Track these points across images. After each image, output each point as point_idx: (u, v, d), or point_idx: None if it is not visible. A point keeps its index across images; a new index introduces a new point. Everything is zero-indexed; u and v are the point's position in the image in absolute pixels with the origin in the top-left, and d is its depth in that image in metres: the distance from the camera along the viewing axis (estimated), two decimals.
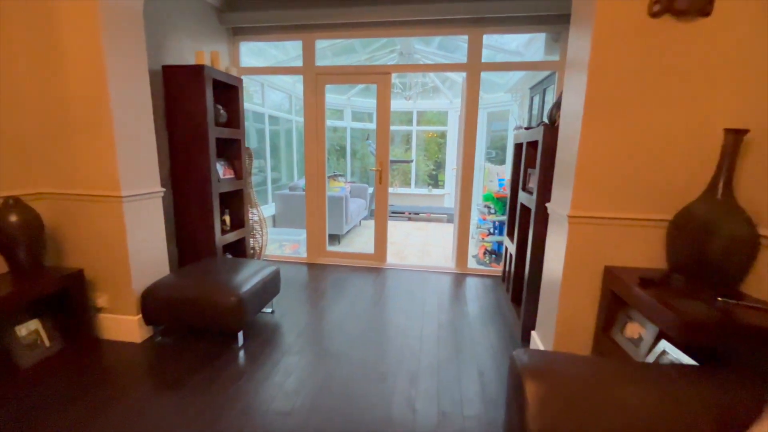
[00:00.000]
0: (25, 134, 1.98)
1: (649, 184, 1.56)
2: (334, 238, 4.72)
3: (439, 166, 8.56)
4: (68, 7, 1.86)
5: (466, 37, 3.21)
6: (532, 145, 2.47)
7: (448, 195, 7.30)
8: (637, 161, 1.56)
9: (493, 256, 4.00)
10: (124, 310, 2.16)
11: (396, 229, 5.76)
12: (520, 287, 2.63)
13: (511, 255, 2.86)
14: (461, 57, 3.27)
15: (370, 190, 6.05)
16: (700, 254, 1.37)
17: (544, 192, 2.09)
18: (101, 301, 2.15)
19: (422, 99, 7.13)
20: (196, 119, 2.58)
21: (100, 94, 1.91)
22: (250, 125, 4.65)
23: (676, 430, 0.92)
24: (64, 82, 1.94)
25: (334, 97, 6.69)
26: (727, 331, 1.15)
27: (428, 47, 5.38)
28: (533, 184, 2.34)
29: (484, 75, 3.27)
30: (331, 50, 4.82)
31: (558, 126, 2.06)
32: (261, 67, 3.58)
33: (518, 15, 3.00)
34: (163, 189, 2.30)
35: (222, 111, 2.84)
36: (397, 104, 7.11)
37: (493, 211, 4.12)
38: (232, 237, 3.03)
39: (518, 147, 2.88)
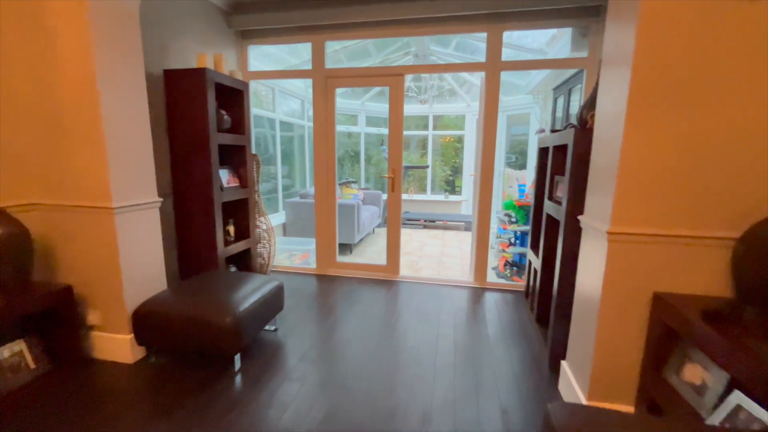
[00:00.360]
0: (15, 141, 1.88)
1: (710, 194, 1.30)
2: (346, 248, 4.54)
3: (456, 171, 8.30)
4: (58, 7, 1.76)
5: (485, 35, 2.99)
6: (560, 149, 2.23)
7: (465, 202, 7.03)
8: (694, 168, 1.30)
9: (515, 268, 3.73)
10: (116, 328, 2.02)
11: (410, 237, 5.54)
12: (547, 307, 2.37)
13: (535, 270, 2.60)
14: (480, 58, 3.05)
15: (384, 196, 5.86)
16: None
17: (575, 202, 1.84)
18: (93, 318, 2.02)
19: (438, 103, 6.92)
20: (197, 125, 2.45)
21: (90, 99, 1.79)
22: (264, 131, 4.55)
23: None
24: (54, 85, 1.83)
25: (348, 101, 6.57)
26: None
27: (445, 48, 5.18)
28: (562, 193, 2.09)
29: (503, 76, 3.04)
30: (344, 54, 4.69)
31: (591, 128, 1.82)
32: (269, 71, 3.47)
33: (542, 9, 2.76)
34: (160, 199, 2.16)
35: (226, 116, 2.71)
36: (412, 108, 6.92)
37: (514, 220, 3.85)
38: (236, 248, 2.89)
39: (543, 152, 2.63)
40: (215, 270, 2.48)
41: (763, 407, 0.97)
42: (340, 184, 5.47)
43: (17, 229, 1.74)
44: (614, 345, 1.45)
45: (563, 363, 1.84)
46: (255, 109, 4.27)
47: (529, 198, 3.73)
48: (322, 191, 3.52)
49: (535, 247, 2.74)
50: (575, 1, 2.66)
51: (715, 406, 1.09)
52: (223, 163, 2.91)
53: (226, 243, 2.81)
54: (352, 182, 5.66)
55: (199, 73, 2.40)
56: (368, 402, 1.75)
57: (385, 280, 3.46)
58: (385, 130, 7.20)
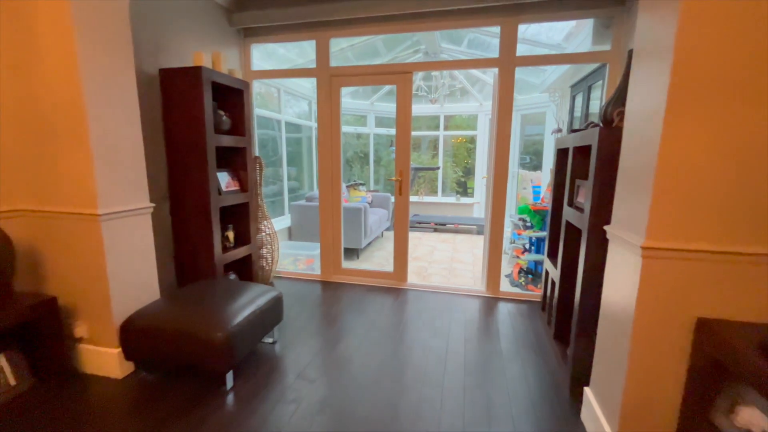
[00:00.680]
0: (0, 144, 1.79)
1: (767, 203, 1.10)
2: (353, 253, 4.40)
3: (468, 172, 8.09)
4: (40, 5, 1.65)
5: (498, 31, 2.80)
6: (582, 151, 2.03)
7: (477, 204, 6.81)
8: (748, 172, 1.10)
9: (530, 276, 3.52)
10: (104, 341, 1.91)
11: (420, 242, 5.36)
12: (566, 322, 2.17)
13: (553, 281, 2.40)
14: (493, 56, 2.86)
15: (394, 198, 5.70)
16: None
17: (600, 210, 1.65)
18: (80, 330, 1.92)
19: (450, 102, 6.73)
20: (193, 126, 2.34)
21: (74, 99, 1.69)
22: (271, 133, 4.44)
23: None
24: (37, 85, 1.73)
25: (356, 102, 6.44)
26: None
27: (457, 46, 5.00)
28: (583, 198, 1.90)
29: (517, 73, 2.84)
30: (352, 52, 4.55)
31: (619, 127, 1.63)
32: (271, 70, 3.35)
33: None
34: (152, 205, 2.05)
35: (225, 117, 2.59)
36: (423, 108, 6.75)
37: (529, 225, 3.64)
38: (236, 254, 2.77)
39: (561, 153, 2.43)
40: (212, 279, 2.37)
41: None
42: (347, 186, 5.34)
43: None
44: (649, 377, 1.26)
45: (587, 391, 1.65)
46: (260, 110, 4.17)
47: (545, 202, 3.52)
48: (327, 194, 3.38)
49: (552, 256, 2.54)
50: None
51: None
52: (222, 165, 2.80)
53: (225, 249, 2.70)
54: (361, 184, 5.52)
55: (194, 72, 2.29)
56: (369, 430, 1.59)
57: (392, 288, 3.30)
58: (394, 131, 7.07)
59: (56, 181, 1.80)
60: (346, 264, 3.96)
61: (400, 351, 2.25)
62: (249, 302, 2.03)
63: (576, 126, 3.95)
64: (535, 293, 3.15)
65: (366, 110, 6.55)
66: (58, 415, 1.65)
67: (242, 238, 2.90)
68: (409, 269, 3.40)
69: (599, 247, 1.67)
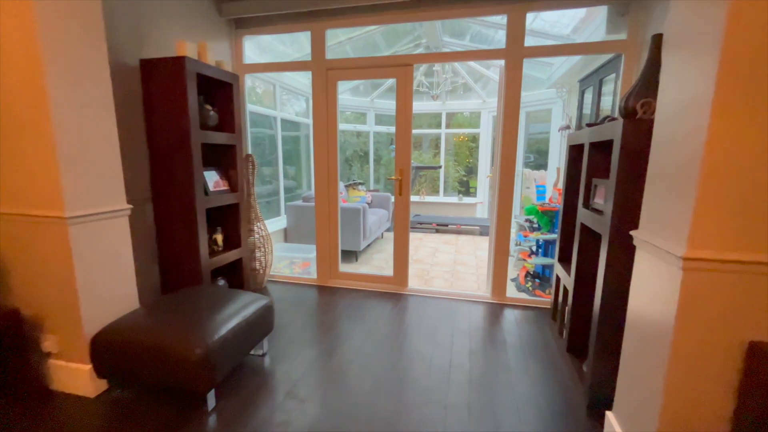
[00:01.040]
0: None
1: None
2: (351, 255, 4.22)
3: (470, 171, 7.91)
4: None
5: (504, 21, 2.62)
6: (599, 147, 1.85)
7: (480, 204, 6.63)
8: None
9: (537, 280, 3.33)
10: (75, 356, 1.74)
11: (421, 243, 5.18)
12: (581, 335, 1.99)
13: (565, 288, 2.23)
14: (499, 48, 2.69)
15: (394, 198, 5.52)
16: None
17: (624, 213, 1.47)
18: (49, 345, 1.75)
19: (452, 99, 6.55)
20: (176, 121, 2.17)
21: (36, 92, 1.52)
22: (267, 130, 4.27)
23: None
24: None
25: (356, 99, 6.26)
26: None
27: (460, 40, 4.81)
28: (602, 199, 1.72)
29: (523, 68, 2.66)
30: (350, 47, 4.38)
31: (645, 119, 1.45)
32: (264, 63, 3.18)
33: None
34: (129, 207, 1.88)
35: (212, 112, 2.42)
36: (424, 105, 6.57)
37: (536, 226, 3.46)
38: (225, 259, 2.59)
39: (575, 150, 2.25)
40: (197, 286, 2.19)
41: None
42: (346, 186, 5.17)
43: None
44: (690, 408, 1.08)
45: (609, 415, 1.47)
46: (253, 106, 4.00)
47: (554, 202, 3.34)
48: (323, 194, 3.21)
49: (564, 261, 2.36)
50: None
51: None
52: (210, 164, 2.63)
53: (213, 253, 2.52)
54: (360, 184, 5.34)
55: (177, 63, 2.12)
56: None
57: (392, 293, 3.12)
58: (395, 129, 6.88)
59: (19, 181, 1.63)
60: (344, 267, 3.79)
61: (399, 364, 2.07)
62: (235, 312, 1.86)
63: (586, 122, 3.77)
64: (544, 299, 2.97)
65: (366, 107, 6.38)
66: None
67: (232, 241, 2.73)
68: (410, 272, 3.23)
69: (623, 253, 1.49)
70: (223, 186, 2.62)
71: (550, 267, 3.26)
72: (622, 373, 1.41)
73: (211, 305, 1.91)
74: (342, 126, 6.37)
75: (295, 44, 4.23)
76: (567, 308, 2.11)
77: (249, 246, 3.14)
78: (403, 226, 3.11)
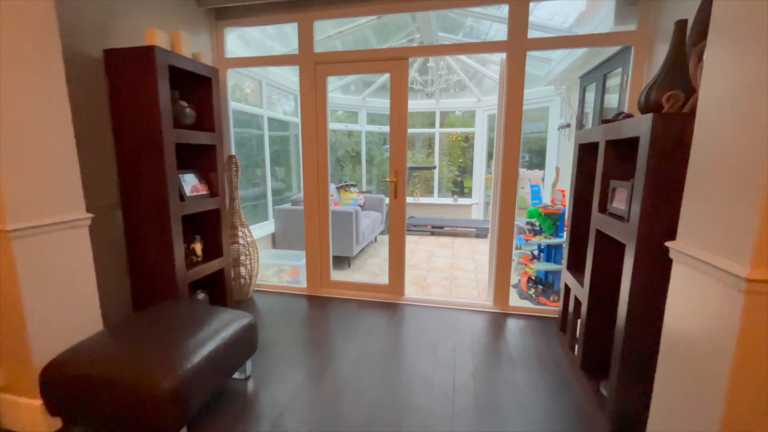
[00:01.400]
0: None
1: None
2: (343, 261, 4.01)
3: (464, 171, 7.76)
4: None
5: (504, 15, 2.44)
6: (618, 145, 1.67)
7: (476, 206, 6.47)
8: None
9: (540, 286, 3.16)
10: (24, 390, 1.51)
11: (416, 246, 4.99)
12: (597, 351, 1.82)
13: (576, 299, 2.05)
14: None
15: (387, 200, 5.33)
16: None
17: (654, 220, 1.29)
18: None
19: (446, 98, 6.38)
20: (146, 118, 1.94)
21: None
22: (255, 131, 4.03)
23: None
24: None
25: (347, 97, 6.05)
26: None
27: (454, 35, 4.64)
28: (623, 204, 1.54)
29: None
30: (340, 42, 4.17)
31: (680, 113, 1.27)
32: (247, 57, 2.95)
33: None
34: (89, 216, 1.65)
35: (188, 109, 2.20)
36: (418, 103, 6.38)
37: (538, 229, 3.29)
38: (205, 270, 2.37)
39: (585, 149, 2.07)
40: (171, 302, 1.96)
41: None
42: (338, 188, 4.95)
43: None
44: None
45: None
46: (238, 104, 3.76)
47: (556, 204, 3.17)
48: (313, 197, 3.00)
49: (574, 268, 2.19)
50: None
51: None
52: (187, 166, 2.40)
53: (191, 264, 2.30)
54: (352, 185, 5.13)
55: (145, 53, 1.89)
56: None
57: (388, 303, 2.92)
58: (387, 128, 6.69)
59: None
60: (336, 275, 3.58)
61: (398, 387, 1.87)
62: (212, 334, 1.64)
63: (589, 121, 3.61)
64: (549, 307, 2.80)
65: (357, 106, 6.17)
66: None
67: (213, 250, 2.50)
68: (406, 279, 3.03)
69: (653, 266, 1.31)
70: (203, 190, 2.39)
71: (554, 273, 3.10)
72: (658, 400, 1.23)
73: (185, 326, 1.69)
74: (333, 125, 6.17)
75: (283, 39, 4.01)
76: (580, 321, 1.94)
77: (233, 254, 2.91)
78: (398, 231, 2.91)
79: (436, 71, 4.86)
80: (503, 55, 2.64)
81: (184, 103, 2.17)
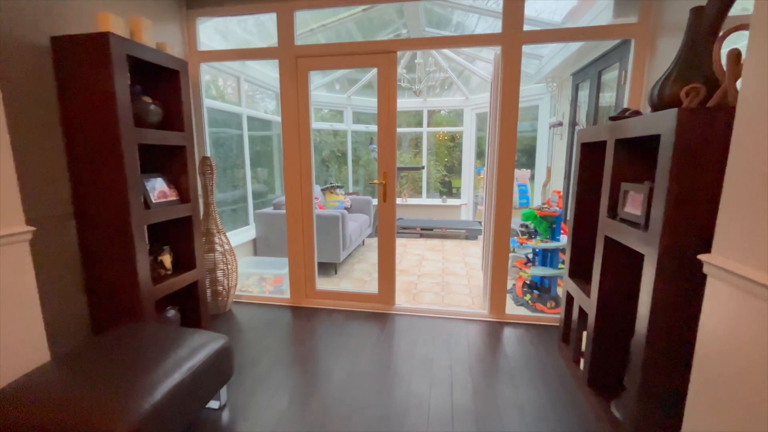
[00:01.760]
0: None
1: None
2: (330, 267, 3.81)
3: (451, 170, 7.66)
4: None
5: (489, 11, 2.29)
6: (629, 144, 1.53)
7: (465, 206, 6.35)
8: None
9: (535, 291, 3.04)
10: None
11: (406, 250, 4.83)
12: (608, 369, 1.67)
13: (581, 310, 1.91)
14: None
15: (375, 201, 5.14)
16: None
17: (679, 229, 1.15)
18: None
19: (433, 97, 6.24)
20: (102, 116, 1.70)
21: None
22: (234, 131, 3.78)
23: None
24: None
25: (332, 95, 5.83)
26: None
27: (442, 31, 4.49)
28: (638, 209, 1.40)
29: None
30: (323, 35, 3.96)
31: (712, 108, 1.13)
32: (222, 50, 2.72)
33: None
34: (29, 229, 1.41)
35: (152, 106, 1.96)
36: (405, 102, 6.22)
37: (533, 232, 3.16)
38: (176, 284, 2.13)
39: (589, 149, 1.94)
40: (131, 325, 1.73)
41: None
42: (323, 190, 4.74)
43: None
44: None
45: None
46: (213, 102, 3.51)
47: (552, 205, 3.05)
48: (295, 200, 2.79)
49: (577, 276, 2.05)
50: None
51: None
52: (154, 169, 2.17)
53: (159, 279, 2.06)
54: (338, 187, 4.93)
55: (98, 41, 1.65)
56: None
57: (378, 314, 2.74)
58: (374, 128, 6.49)
59: None
60: (322, 283, 3.39)
61: (391, 411, 1.69)
62: (178, 363, 1.43)
63: (580, 117, 3.51)
64: (547, 315, 2.67)
65: (342, 104, 5.96)
66: None
67: (185, 262, 2.27)
68: (396, 286, 2.86)
69: (679, 278, 1.17)
70: (172, 196, 2.16)
71: (550, 279, 2.98)
72: (690, 425, 1.08)
73: (146, 354, 1.47)
74: (317, 124, 5.95)
75: (264, 35, 3.78)
76: (586, 334, 1.80)
77: (208, 265, 2.68)
78: (388, 237, 2.73)
79: (423, 68, 4.70)
80: (497, 50, 2.49)
81: (147, 99, 1.94)
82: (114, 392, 1.24)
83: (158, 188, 2.10)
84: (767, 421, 0.81)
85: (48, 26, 1.75)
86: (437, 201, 6.52)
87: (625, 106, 2.34)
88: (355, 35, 4.27)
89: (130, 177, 1.77)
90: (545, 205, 3.06)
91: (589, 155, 1.93)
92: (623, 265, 1.59)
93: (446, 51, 4.78)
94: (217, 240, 2.75)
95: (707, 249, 1.07)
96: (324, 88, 5.71)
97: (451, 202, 6.42)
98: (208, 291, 2.70)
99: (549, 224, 2.99)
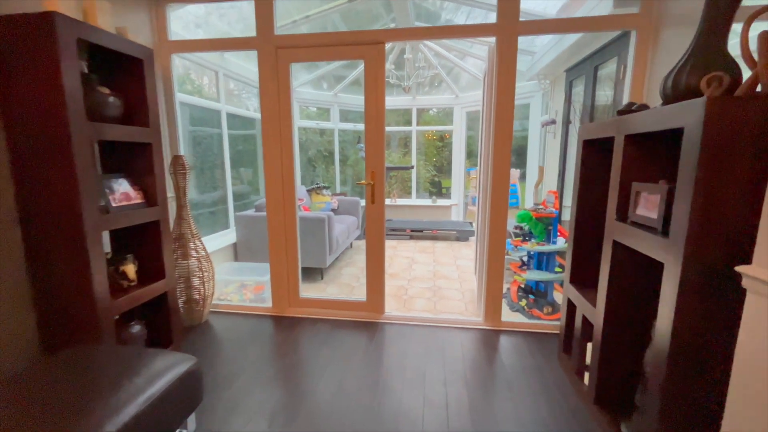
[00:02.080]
0: None
1: None
2: (316, 272, 3.62)
3: (440, 170, 7.55)
4: None
5: (479, 3, 2.15)
6: (637, 140, 1.40)
7: (456, 207, 6.22)
8: None
9: (531, 296, 2.91)
10: None
11: (395, 252, 4.66)
12: (617, 385, 1.54)
13: (585, 319, 1.77)
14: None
15: (363, 202, 4.97)
16: None
17: (708, 236, 1.01)
18: None
19: (422, 95, 6.10)
20: (47, 109, 1.49)
21: None
22: (215, 130, 3.56)
23: None
24: None
25: (318, 92, 5.63)
26: None
27: (432, 24, 4.34)
28: (654, 212, 1.26)
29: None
30: (307, 27, 3.76)
31: (739, 97, 1.00)
32: (195, 40, 2.51)
33: None
34: None
35: (111, 98, 1.75)
36: (393, 100, 6.06)
37: (528, 234, 3.04)
38: (142, 296, 1.92)
39: (592, 146, 1.80)
40: (84, 346, 1.52)
41: None
42: (309, 191, 4.55)
43: None
44: None
45: None
46: (188, 97, 3.29)
47: (548, 206, 2.93)
48: (277, 203, 2.60)
49: (579, 283, 1.92)
50: None
51: None
52: (115, 169, 1.96)
53: (121, 291, 1.85)
54: (324, 188, 4.74)
55: (42, 21, 1.44)
56: None
57: (366, 322, 2.57)
58: (362, 126, 6.31)
59: None
60: (307, 289, 3.21)
61: None
62: (135, 393, 1.23)
63: (574, 115, 3.41)
64: (545, 321, 2.54)
65: (329, 102, 5.77)
66: None
67: (153, 271, 2.06)
68: (386, 291, 2.69)
69: (706, 291, 1.03)
70: (137, 198, 1.94)
71: (546, 283, 2.85)
72: None
73: (99, 382, 1.27)
74: (304, 123, 5.74)
75: (249, 30, 3.56)
76: (592, 347, 1.66)
77: (182, 272, 2.47)
78: (377, 241, 2.56)
79: (413, 64, 4.55)
80: (491, 42, 2.35)
81: (105, 90, 1.73)
82: (56, 430, 1.04)
83: (121, 190, 1.88)
84: None
85: None
86: (427, 201, 6.38)
87: (625, 101, 2.22)
88: (341, 29, 4.09)
89: (82, 177, 1.56)
90: (541, 206, 2.94)
91: (592, 153, 1.80)
92: (634, 272, 1.45)
93: (436, 47, 4.63)
94: (191, 245, 2.54)
95: (740, 258, 0.93)
96: (310, 85, 5.51)
97: (441, 202, 6.29)
98: (182, 301, 2.49)
99: (545, 226, 2.87)
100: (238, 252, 3.63)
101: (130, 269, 1.90)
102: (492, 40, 2.35)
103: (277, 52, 2.39)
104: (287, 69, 2.42)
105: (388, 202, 6.26)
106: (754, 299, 0.86)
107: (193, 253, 2.55)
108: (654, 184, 1.28)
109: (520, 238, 3.11)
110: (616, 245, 1.48)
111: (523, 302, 2.84)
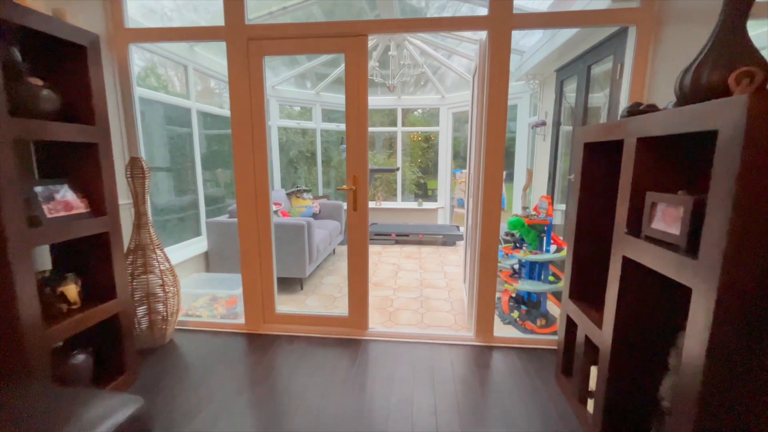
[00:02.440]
0: None
1: None
2: (295, 283, 3.38)
3: (426, 171, 7.41)
4: None
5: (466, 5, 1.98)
6: (650, 144, 1.24)
7: (442, 210, 6.07)
8: None
9: (523, 307, 2.76)
10: None
11: (380, 258, 4.46)
12: (628, 418, 1.38)
13: (588, 340, 1.61)
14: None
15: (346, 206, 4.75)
16: None
17: (746, 258, 0.85)
18: None
19: (408, 95, 5.92)
20: None
21: None
22: (187, 129, 3.28)
23: None
24: None
25: (297, 91, 5.39)
26: None
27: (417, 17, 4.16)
28: (676, 227, 1.10)
29: None
30: (284, 20, 3.52)
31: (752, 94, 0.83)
32: (155, 29, 2.25)
33: None
34: None
35: (45, 91, 1.49)
36: (378, 100, 5.87)
37: (519, 241, 2.88)
38: (88, 320, 1.66)
39: (594, 150, 1.65)
40: (9, 384, 1.26)
41: None
42: (288, 194, 4.30)
43: None
44: None
45: None
46: (152, 92, 3.01)
47: (540, 213, 2.78)
48: (249, 209, 2.36)
49: (580, 300, 1.76)
50: None
51: None
52: (54, 174, 1.69)
53: (58, 317, 1.59)
54: (305, 191, 4.50)
55: None
56: None
57: (349, 340, 2.36)
58: (345, 126, 6.10)
59: None
60: (285, 301, 2.98)
61: None
62: None
63: (565, 118, 3.28)
64: (539, 336, 2.38)
65: (311, 101, 5.53)
66: None
67: (101, 290, 1.79)
68: (370, 302, 2.49)
69: (746, 322, 0.87)
70: (80, 207, 1.68)
71: (539, 294, 2.70)
72: None
73: None
74: (284, 122, 5.47)
75: (209, 13, 3.30)
76: (597, 372, 1.50)
77: (141, 288, 2.20)
78: (359, 251, 2.35)
79: (398, 61, 4.37)
80: (482, 37, 2.18)
81: (36, 81, 1.47)
82: None
83: (61, 198, 1.62)
84: None
85: None
86: (413, 204, 6.21)
87: (623, 100, 2.09)
88: (319, 17, 3.87)
89: (4, 184, 1.30)
90: (533, 213, 2.79)
91: (595, 157, 1.64)
92: (647, 292, 1.30)
93: (422, 45, 4.46)
94: (152, 257, 2.28)
95: None
96: (291, 83, 5.26)
97: (427, 205, 6.13)
98: (144, 321, 2.23)
99: (537, 233, 2.72)
100: (209, 262, 3.35)
101: (71, 290, 1.63)
102: (483, 35, 2.19)
103: (248, 43, 2.16)
104: (260, 63, 2.19)
105: (373, 205, 6.06)
106: None
107: (155, 264, 2.28)
108: (674, 195, 1.12)
109: (511, 245, 2.96)
110: (627, 262, 1.31)
111: (515, 314, 2.69)
